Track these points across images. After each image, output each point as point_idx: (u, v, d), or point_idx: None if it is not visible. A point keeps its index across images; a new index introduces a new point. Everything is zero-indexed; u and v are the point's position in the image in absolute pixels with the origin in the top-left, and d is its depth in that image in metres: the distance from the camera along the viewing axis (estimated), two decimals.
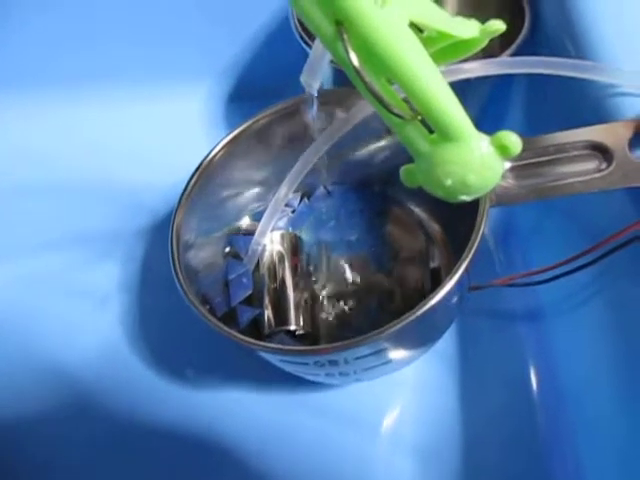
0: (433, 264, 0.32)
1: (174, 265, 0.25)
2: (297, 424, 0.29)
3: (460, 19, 0.20)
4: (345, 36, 0.15)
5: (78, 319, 0.34)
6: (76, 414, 0.31)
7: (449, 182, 0.18)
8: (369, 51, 0.16)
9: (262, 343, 0.21)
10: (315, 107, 0.22)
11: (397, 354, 0.24)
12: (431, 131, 0.18)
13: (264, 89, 0.38)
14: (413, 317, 0.20)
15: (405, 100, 0.17)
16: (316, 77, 0.18)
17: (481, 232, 0.22)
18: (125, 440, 0.30)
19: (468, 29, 0.20)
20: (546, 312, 0.30)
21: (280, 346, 0.22)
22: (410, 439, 0.29)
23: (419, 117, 0.17)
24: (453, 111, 0.17)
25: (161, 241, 0.36)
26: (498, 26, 0.20)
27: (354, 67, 0.16)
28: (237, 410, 0.30)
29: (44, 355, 0.32)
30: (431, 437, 0.29)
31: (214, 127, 0.43)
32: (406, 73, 0.16)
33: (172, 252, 0.25)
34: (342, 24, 0.15)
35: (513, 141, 0.17)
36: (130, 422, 0.30)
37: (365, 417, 0.30)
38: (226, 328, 0.22)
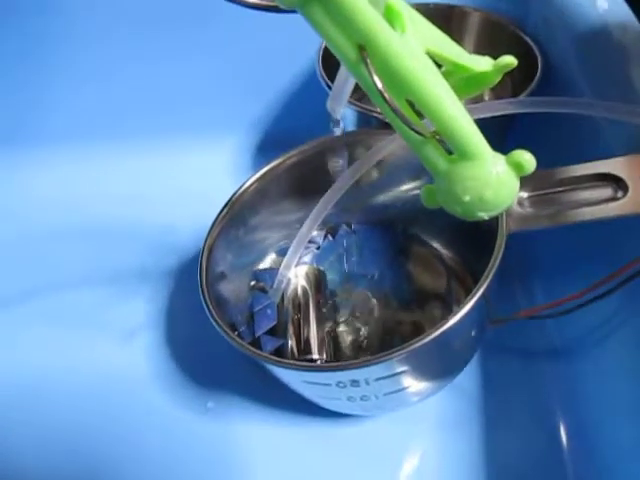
0: (456, 304, 0.32)
1: (202, 291, 0.26)
2: (317, 458, 0.29)
3: (474, 55, 0.22)
4: (368, 60, 0.17)
5: (104, 352, 0.35)
6: (100, 447, 0.31)
7: (467, 198, 0.19)
8: (390, 74, 0.17)
9: (285, 360, 0.22)
10: (341, 131, 0.23)
11: (416, 380, 0.24)
12: (449, 152, 0.19)
13: (291, 141, 0.40)
14: (431, 337, 0.21)
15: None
16: (341, 102, 0.20)
17: (500, 255, 0.23)
18: (145, 472, 0.29)
19: (481, 63, 0.21)
20: (572, 347, 0.30)
21: (303, 363, 0.22)
22: None
23: (437, 136, 0.18)
24: (470, 130, 0.18)
25: (188, 280, 0.38)
26: (509, 60, 0.21)
27: (377, 89, 0.17)
28: (255, 441, 0.30)
29: (71, 387, 0.33)
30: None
31: (242, 177, 0.45)
32: (426, 95, 0.17)
33: (201, 278, 0.26)
34: (364, 48, 0.16)
35: (527, 159, 0.18)
36: (152, 454, 0.30)
37: (385, 456, 0.29)
38: (248, 346, 0.22)
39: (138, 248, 0.41)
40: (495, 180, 0.19)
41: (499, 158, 0.19)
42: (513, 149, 0.19)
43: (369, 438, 0.29)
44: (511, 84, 0.36)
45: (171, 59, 0.43)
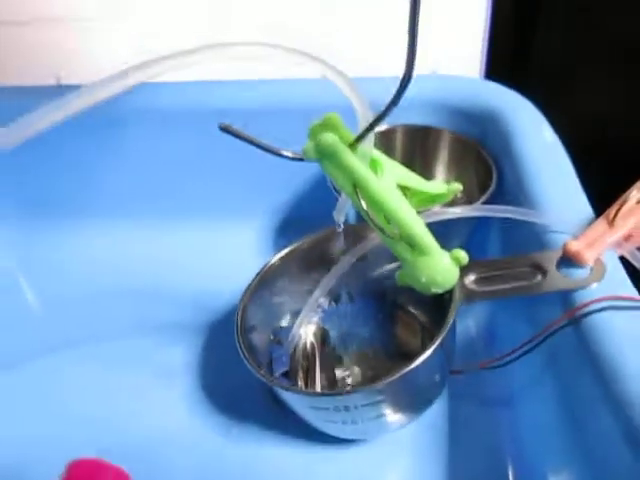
0: None
1: (238, 339, 0.35)
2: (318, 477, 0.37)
3: (433, 182, 0.32)
4: (359, 192, 0.27)
5: (147, 389, 0.43)
6: (140, 466, 0.36)
7: (424, 279, 0.29)
8: (372, 201, 0.27)
9: (294, 388, 0.31)
10: (342, 232, 0.33)
11: (391, 409, 0.33)
12: (413, 248, 0.29)
13: (307, 225, 0.44)
14: (396, 377, 0.30)
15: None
16: (342, 215, 0.30)
17: (452, 319, 0.32)
18: None
19: (437, 187, 0.32)
20: (515, 393, 0.39)
21: (309, 390, 0.31)
22: None
23: (404, 239, 0.28)
24: (424, 236, 0.28)
25: (218, 334, 0.47)
26: (457, 186, 0.32)
27: (364, 210, 0.27)
28: (269, 462, 0.38)
29: (117, 424, 0.41)
30: None
31: (264, 253, 0.54)
32: (394, 214, 0.28)
33: (237, 329, 0.35)
34: (357, 185, 0.27)
35: (463, 255, 0.29)
36: (185, 473, 0.38)
37: (372, 476, 0.37)
38: (271, 377, 0.32)
39: (177, 307, 0.49)
40: (442, 268, 0.29)
41: (444, 254, 0.29)
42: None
43: (358, 461, 0.37)
44: (478, 191, 0.46)
45: (209, 155, 0.54)
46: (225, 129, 0.25)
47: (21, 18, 0.51)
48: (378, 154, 0.28)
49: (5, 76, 0.55)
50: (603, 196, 0.36)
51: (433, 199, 0.32)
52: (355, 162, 0.26)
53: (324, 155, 0.26)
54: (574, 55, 0.60)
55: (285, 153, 0.27)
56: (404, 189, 0.30)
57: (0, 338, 0.48)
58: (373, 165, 0.28)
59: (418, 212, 0.29)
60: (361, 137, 0.25)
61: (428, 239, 0.28)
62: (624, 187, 0.35)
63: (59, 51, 0.53)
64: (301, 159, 0.27)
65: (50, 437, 0.40)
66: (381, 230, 0.28)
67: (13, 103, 0.51)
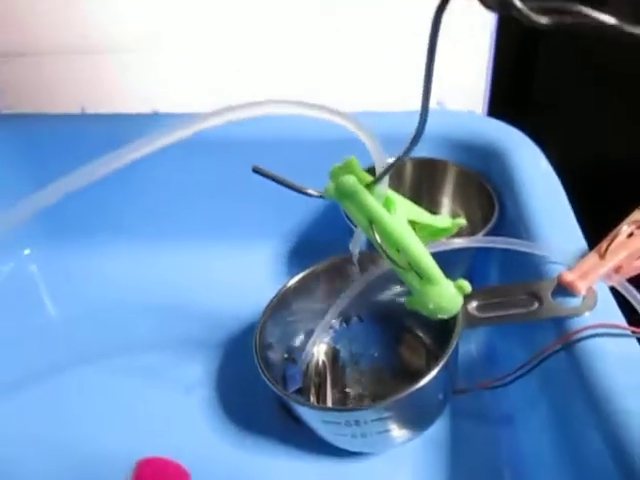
0: None
1: (256, 354, 0.38)
2: None
3: (439, 216, 0.35)
4: (374, 227, 0.30)
5: (165, 402, 0.46)
6: None
7: (431, 306, 0.32)
8: (386, 236, 0.30)
9: (309, 403, 0.34)
10: (356, 261, 0.36)
11: (399, 424, 0.35)
12: (421, 277, 0.32)
13: (317, 250, 0.47)
14: (401, 395, 0.33)
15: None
16: (357, 247, 0.34)
17: (456, 342, 0.35)
18: None
19: (443, 221, 0.35)
20: (513, 413, 0.41)
21: (322, 405, 0.34)
22: None
23: (414, 269, 0.31)
24: (432, 267, 0.31)
25: (235, 350, 0.50)
26: (461, 221, 0.35)
27: (378, 243, 0.30)
28: (278, 474, 0.41)
29: (133, 435, 0.43)
30: None
31: (278, 276, 0.57)
32: (405, 247, 0.31)
33: (256, 345, 0.38)
34: (372, 222, 0.30)
35: (466, 285, 0.32)
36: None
37: None
38: (286, 392, 0.34)
39: (195, 324, 0.52)
40: (447, 296, 0.32)
41: (449, 283, 0.32)
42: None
43: (366, 473, 0.40)
44: (481, 220, 0.49)
45: (228, 180, 0.57)
46: (257, 171, 0.28)
47: (55, 49, 0.54)
48: (391, 193, 0.31)
49: (34, 104, 0.58)
50: (603, 220, 0.38)
51: (439, 232, 0.35)
52: (372, 202, 0.29)
53: (344, 195, 0.29)
54: (574, 85, 0.63)
55: (309, 192, 0.30)
56: (413, 223, 0.32)
57: (24, 351, 0.51)
58: (387, 203, 0.31)
59: (425, 244, 0.32)
60: (377, 180, 0.29)
61: (435, 270, 0.31)
62: (622, 214, 0.38)
63: (85, 82, 0.57)
64: (322, 197, 0.30)
65: (65, 447, 0.43)
66: (393, 261, 0.31)
67: (43, 130, 0.55)
